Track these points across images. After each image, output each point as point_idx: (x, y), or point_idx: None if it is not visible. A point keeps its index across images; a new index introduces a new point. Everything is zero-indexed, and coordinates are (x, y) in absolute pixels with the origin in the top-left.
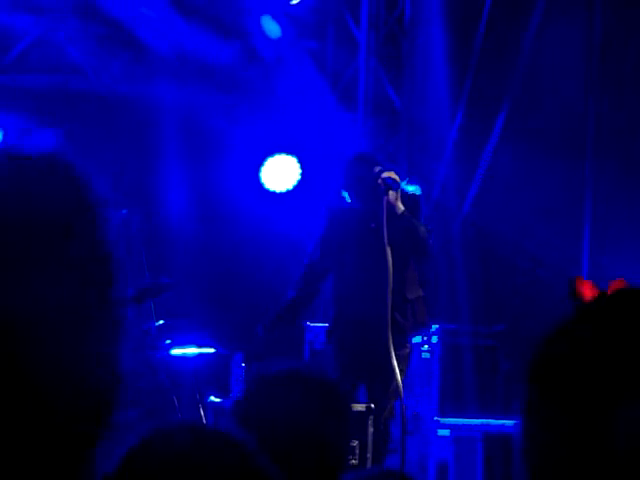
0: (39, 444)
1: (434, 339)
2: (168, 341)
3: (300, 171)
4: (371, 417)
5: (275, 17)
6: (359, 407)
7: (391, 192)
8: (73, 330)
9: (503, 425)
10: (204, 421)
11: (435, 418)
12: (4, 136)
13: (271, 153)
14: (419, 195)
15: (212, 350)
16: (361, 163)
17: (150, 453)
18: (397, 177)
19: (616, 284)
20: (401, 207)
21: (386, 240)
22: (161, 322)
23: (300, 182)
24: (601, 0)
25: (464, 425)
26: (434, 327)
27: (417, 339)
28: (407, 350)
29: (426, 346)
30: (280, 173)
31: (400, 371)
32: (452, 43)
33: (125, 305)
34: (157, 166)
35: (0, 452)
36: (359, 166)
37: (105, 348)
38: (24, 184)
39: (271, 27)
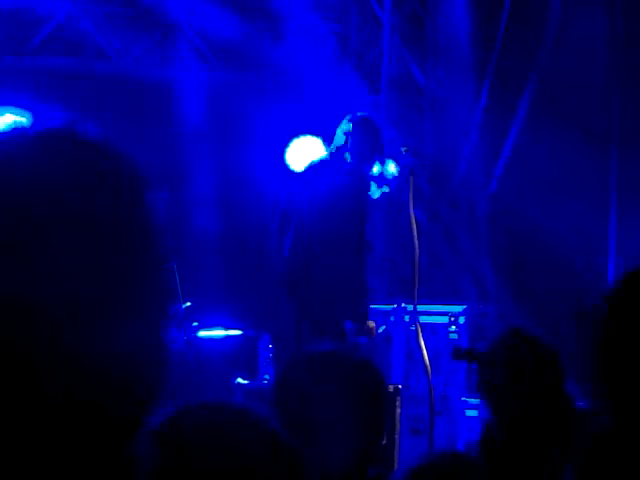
0: (80, 428)
1: (461, 320)
2: (195, 323)
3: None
4: (399, 398)
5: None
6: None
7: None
8: (106, 307)
9: None
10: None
11: (463, 398)
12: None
13: (296, 134)
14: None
15: (239, 332)
16: (367, 126)
17: (176, 430)
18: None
19: None
20: None
21: (413, 221)
22: (188, 304)
23: None
24: None
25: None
26: (461, 307)
27: (444, 319)
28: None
29: (453, 327)
30: (305, 154)
31: None
32: (476, 21)
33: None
34: (182, 148)
35: (42, 438)
36: (365, 129)
37: (148, 326)
38: (44, 158)
39: None
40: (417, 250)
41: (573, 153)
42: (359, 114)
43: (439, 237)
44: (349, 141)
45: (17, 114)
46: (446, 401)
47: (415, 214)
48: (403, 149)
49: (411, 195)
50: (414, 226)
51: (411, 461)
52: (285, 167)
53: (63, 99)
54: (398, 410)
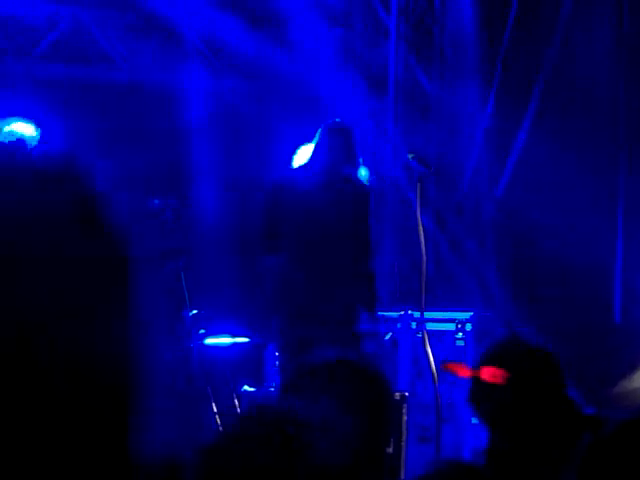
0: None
1: (468, 327)
2: (202, 330)
3: None
4: (405, 405)
5: (303, 4)
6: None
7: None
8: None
9: None
10: (238, 410)
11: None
12: (41, 135)
13: (303, 141)
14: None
15: (246, 339)
16: (337, 132)
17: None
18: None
19: (461, 370)
20: None
21: (420, 228)
22: (195, 312)
23: None
24: None
25: None
26: (468, 314)
27: (451, 326)
28: None
29: (460, 334)
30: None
31: None
32: (483, 27)
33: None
34: (189, 154)
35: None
36: (335, 134)
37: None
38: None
39: None
40: (424, 257)
41: (580, 158)
42: (330, 121)
43: (446, 244)
44: (321, 148)
45: (23, 122)
46: (453, 409)
47: (422, 220)
48: (410, 155)
49: (419, 201)
50: (421, 232)
51: (418, 469)
52: (285, 169)
53: (69, 106)
54: (404, 418)
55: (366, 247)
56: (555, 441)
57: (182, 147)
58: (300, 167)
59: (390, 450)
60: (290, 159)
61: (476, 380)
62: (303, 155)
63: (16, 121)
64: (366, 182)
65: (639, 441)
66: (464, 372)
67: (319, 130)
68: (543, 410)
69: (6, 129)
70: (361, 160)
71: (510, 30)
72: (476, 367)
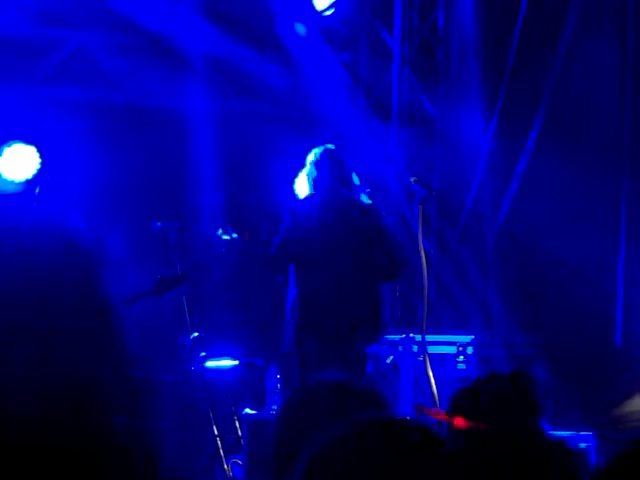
0: None
1: (469, 350)
2: (203, 353)
3: None
4: None
5: (308, 28)
6: None
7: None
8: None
9: None
10: (239, 433)
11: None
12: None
13: (305, 163)
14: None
15: (247, 362)
16: (329, 158)
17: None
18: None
19: (457, 420)
20: None
21: (422, 251)
22: (196, 334)
23: None
24: (634, 9)
25: None
26: (469, 338)
27: (452, 350)
28: None
29: (461, 357)
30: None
31: None
32: (486, 51)
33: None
34: (193, 177)
35: None
36: (327, 161)
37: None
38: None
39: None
40: (426, 280)
41: (583, 182)
42: (321, 147)
43: (448, 267)
44: (322, 175)
45: (24, 145)
46: None
47: (424, 244)
48: (412, 179)
49: (420, 225)
50: (423, 256)
51: None
52: (295, 197)
53: (74, 128)
54: None
55: (377, 265)
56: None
57: (186, 169)
58: (307, 197)
59: None
60: (293, 181)
61: (449, 426)
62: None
63: (17, 144)
64: (367, 200)
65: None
66: (440, 416)
67: (313, 157)
68: (513, 451)
69: (7, 151)
70: (356, 179)
71: (513, 52)
72: (450, 413)
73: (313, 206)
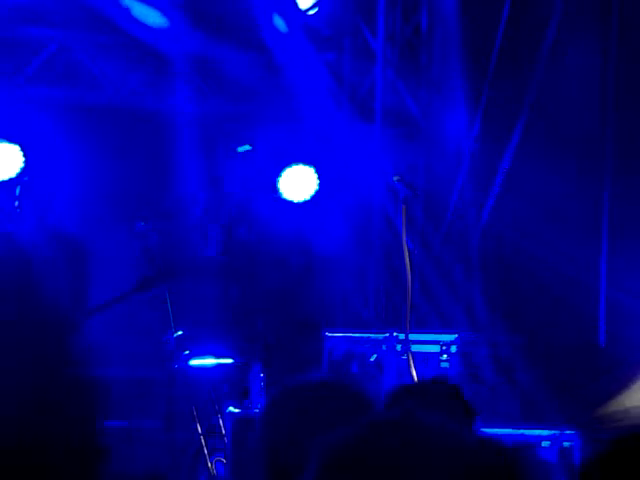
0: None
1: (453, 349)
2: (187, 352)
3: (318, 182)
4: None
5: (291, 28)
6: None
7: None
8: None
9: (523, 434)
10: (223, 431)
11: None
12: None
13: (289, 163)
14: None
15: (230, 360)
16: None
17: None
18: None
19: None
20: None
21: (406, 250)
22: (180, 333)
23: (317, 192)
24: (618, 9)
25: (484, 434)
26: (453, 337)
27: (436, 348)
28: None
29: (445, 355)
30: (298, 183)
31: None
32: (469, 52)
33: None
34: (175, 178)
35: None
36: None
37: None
38: None
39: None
40: (409, 279)
41: (566, 182)
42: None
43: (431, 266)
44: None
45: (7, 144)
46: None
47: (407, 243)
48: (395, 178)
49: (404, 224)
50: (407, 255)
51: None
52: (278, 196)
53: (56, 130)
54: None
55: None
56: None
57: (168, 170)
58: None
59: None
60: (275, 181)
61: None
62: (288, 177)
63: (1, 142)
64: None
65: (633, 458)
66: None
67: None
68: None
69: None
70: None
71: (496, 53)
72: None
73: None
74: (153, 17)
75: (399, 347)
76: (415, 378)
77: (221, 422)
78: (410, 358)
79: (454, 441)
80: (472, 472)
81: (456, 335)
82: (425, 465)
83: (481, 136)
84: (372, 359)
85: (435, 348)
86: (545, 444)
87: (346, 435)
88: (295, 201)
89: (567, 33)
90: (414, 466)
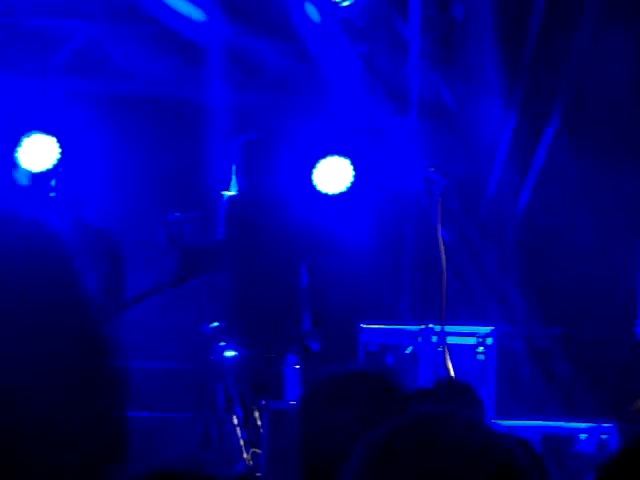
0: None
1: (489, 341)
2: (222, 343)
3: (353, 173)
4: None
5: (325, 19)
6: None
7: None
8: (69, 391)
9: (561, 427)
10: (259, 422)
11: (492, 420)
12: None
13: (323, 155)
14: None
15: (265, 352)
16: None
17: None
18: None
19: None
20: None
21: (441, 242)
22: (215, 324)
23: (353, 184)
24: None
25: (522, 427)
26: (489, 329)
27: (471, 340)
28: None
29: (481, 348)
30: (333, 175)
31: None
32: (505, 41)
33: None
34: (208, 169)
35: None
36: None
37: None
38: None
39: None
40: (445, 271)
41: (605, 172)
42: (244, 137)
43: (467, 258)
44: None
45: (44, 135)
46: None
47: (443, 235)
48: (431, 169)
49: (439, 216)
50: (442, 247)
51: None
52: (313, 188)
53: (89, 121)
54: None
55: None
56: None
57: (201, 160)
58: None
59: None
60: (310, 172)
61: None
62: (328, 169)
63: (38, 134)
64: None
65: None
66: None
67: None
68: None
69: (26, 142)
70: None
71: (533, 43)
72: None
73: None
74: (187, 6)
75: (435, 339)
76: (451, 370)
77: (257, 414)
78: (446, 350)
79: (493, 439)
80: (506, 470)
81: (492, 327)
82: (462, 463)
83: (518, 126)
84: (408, 351)
85: (471, 340)
86: (583, 437)
87: (388, 430)
88: (329, 193)
89: (605, 19)
90: (452, 463)
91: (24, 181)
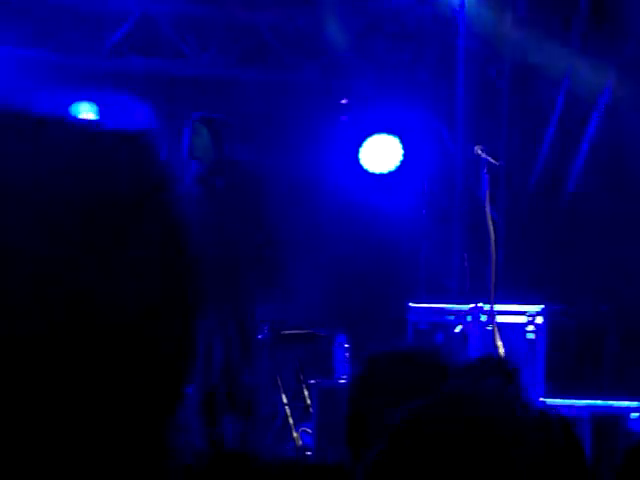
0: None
1: (539, 319)
2: (273, 322)
3: (402, 152)
4: None
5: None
6: None
7: None
8: (150, 320)
9: (611, 406)
10: (308, 401)
11: (541, 399)
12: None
13: (371, 133)
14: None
15: (315, 331)
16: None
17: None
18: None
19: None
20: None
21: (490, 220)
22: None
23: (402, 163)
24: None
25: (571, 406)
26: (539, 307)
27: (522, 319)
28: None
29: (531, 326)
30: (381, 154)
31: None
32: (555, 17)
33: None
34: (254, 148)
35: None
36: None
37: (181, 332)
38: (93, 162)
39: None
40: (494, 250)
41: None
42: (195, 114)
43: (516, 236)
44: (191, 145)
45: (89, 105)
46: None
47: (491, 213)
48: (478, 148)
49: (488, 194)
50: (491, 225)
51: None
52: (360, 167)
53: (140, 100)
54: None
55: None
56: None
57: (248, 141)
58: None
59: None
60: (356, 152)
61: None
62: (375, 147)
63: (83, 104)
64: None
65: None
66: None
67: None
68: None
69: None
70: None
71: (583, 23)
72: None
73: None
74: None
75: (484, 318)
76: (501, 349)
77: (306, 392)
78: (495, 329)
79: (522, 418)
80: (540, 446)
81: (542, 306)
82: (491, 439)
83: (567, 102)
84: (457, 330)
85: (521, 319)
86: (634, 416)
87: (418, 406)
88: (377, 172)
89: None
90: (480, 439)
91: None
